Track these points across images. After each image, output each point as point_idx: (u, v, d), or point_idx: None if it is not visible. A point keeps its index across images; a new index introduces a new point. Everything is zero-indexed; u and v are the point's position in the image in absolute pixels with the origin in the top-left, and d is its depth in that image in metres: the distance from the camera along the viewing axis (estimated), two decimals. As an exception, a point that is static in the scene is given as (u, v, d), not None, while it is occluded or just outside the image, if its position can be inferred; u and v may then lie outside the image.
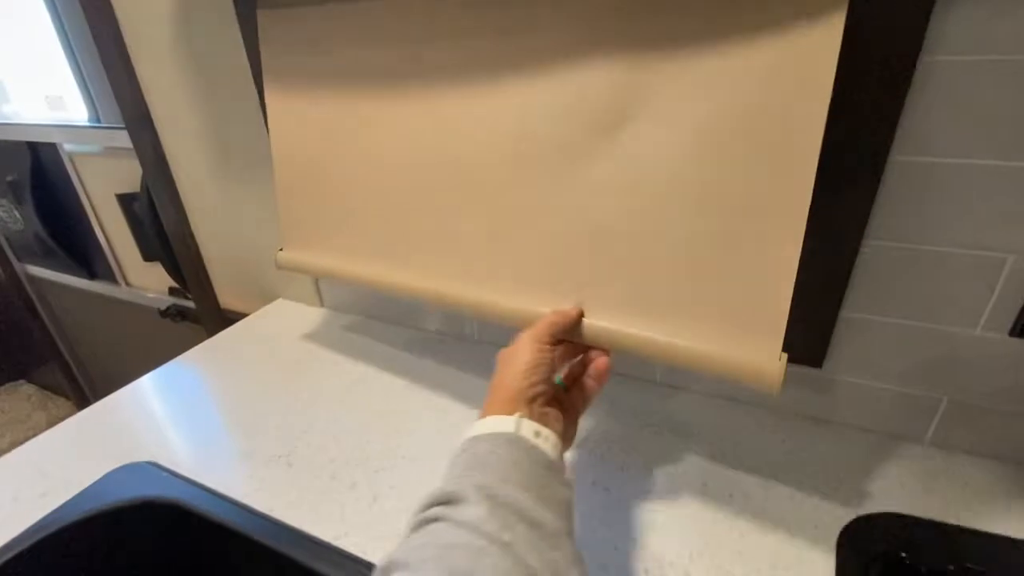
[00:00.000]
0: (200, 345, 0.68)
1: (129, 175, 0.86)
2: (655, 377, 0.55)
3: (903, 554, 0.37)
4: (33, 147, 0.96)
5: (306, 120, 0.53)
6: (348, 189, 0.52)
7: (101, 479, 0.46)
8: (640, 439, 0.48)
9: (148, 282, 1.00)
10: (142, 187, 0.80)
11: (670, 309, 0.38)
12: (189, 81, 0.65)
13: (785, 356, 0.35)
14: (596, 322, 0.40)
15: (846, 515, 0.40)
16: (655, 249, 0.38)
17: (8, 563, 0.39)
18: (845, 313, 0.44)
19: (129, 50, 0.68)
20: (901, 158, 0.37)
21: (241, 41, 0.57)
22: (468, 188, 0.45)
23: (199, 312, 0.87)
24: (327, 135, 0.52)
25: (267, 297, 0.79)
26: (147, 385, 0.61)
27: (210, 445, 0.51)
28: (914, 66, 0.34)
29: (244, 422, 0.54)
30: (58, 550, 0.42)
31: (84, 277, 1.07)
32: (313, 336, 0.68)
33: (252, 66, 0.58)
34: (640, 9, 0.35)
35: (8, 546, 0.40)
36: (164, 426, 0.54)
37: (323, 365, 0.62)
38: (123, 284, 1.03)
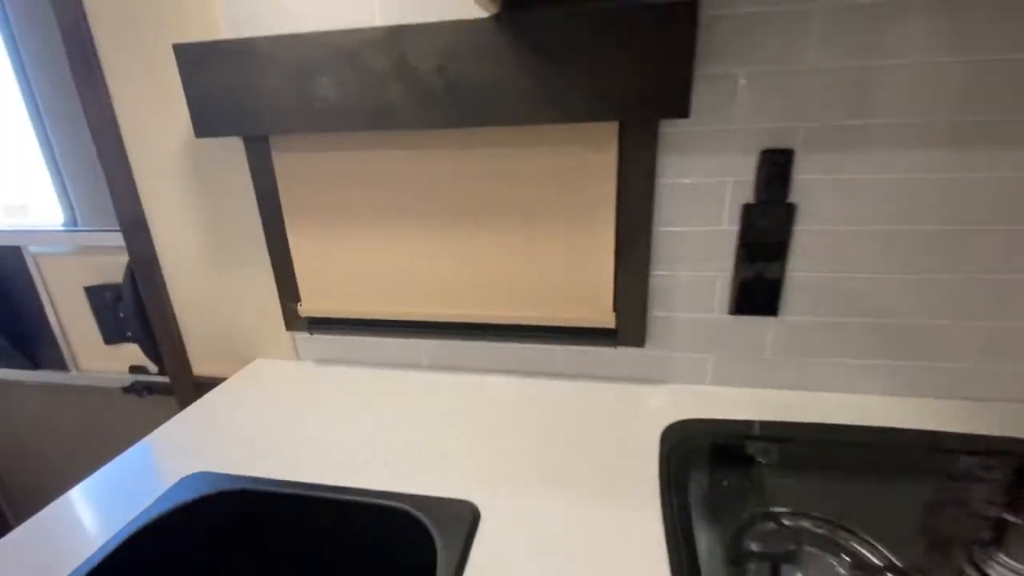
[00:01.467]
0: (189, 408, 0.82)
1: (99, 269, 0.99)
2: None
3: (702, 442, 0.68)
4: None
5: (319, 234, 0.77)
6: (349, 282, 0.76)
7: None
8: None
9: (106, 364, 1.09)
10: (125, 278, 0.95)
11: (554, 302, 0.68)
12: (191, 195, 0.85)
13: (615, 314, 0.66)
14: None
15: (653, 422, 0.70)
16: (551, 281, 0.68)
17: None
18: (652, 313, 0.77)
19: (132, 166, 0.86)
20: (659, 228, 0.72)
21: (247, 166, 0.80)
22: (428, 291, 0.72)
23: (173, 383, 1.00)
24: (333, 237, 0.76)
25: (245, 359, 0.96)
26: (135, 462, 0.76)
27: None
28: (654, 182, 0.70)
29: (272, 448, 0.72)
30: None
31: (28, 368, 1.12)
32: (297, 384, 0.87)
33: (256, 187, 0.81)
34: (506, 141, 0.68)
35: None
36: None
37: (311, 405, 0.81)
38: (74, 370, 1.10)
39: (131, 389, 1.05)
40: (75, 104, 0.82)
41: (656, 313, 0.77)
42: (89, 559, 0.52)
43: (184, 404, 0.84)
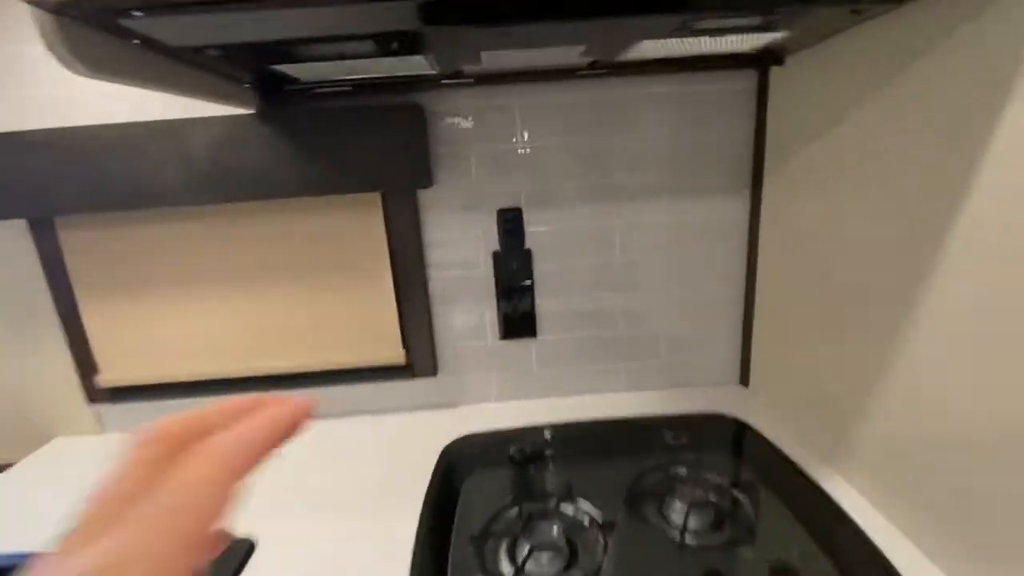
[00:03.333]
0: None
1: None
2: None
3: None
4: None
5: (113, 305, 0.80)
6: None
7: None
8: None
9: None
10: None
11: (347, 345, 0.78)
12: (-32, 276, 0.84)
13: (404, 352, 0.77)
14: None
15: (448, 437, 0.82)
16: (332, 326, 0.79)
17: None
18: (440, 346, 0.90)
19: None
20: (432, 273, 0.86)
21: (32, 246, 0.82)
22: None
23: (-46, 476, 0.92)
24: (127, 307, 0.80)
25: (42, 440, 0.92)
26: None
27: None
28: (421, 237, 0.84)
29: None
30: None
31: None
32: (97, 456, 0.86)
33: (43, 265, 0.82)
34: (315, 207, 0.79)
35: None
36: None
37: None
38: None
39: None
40: None
41: (443, 345, 0.90)
42: None
43: (-39, 495, 0.80)
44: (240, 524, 0.63)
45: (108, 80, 0.45)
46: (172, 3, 0.39)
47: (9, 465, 0.88)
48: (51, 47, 0.39)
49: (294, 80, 0.68)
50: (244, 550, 0.61)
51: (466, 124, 0.80)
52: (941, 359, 0.50)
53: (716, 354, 0.92)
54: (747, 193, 0.84)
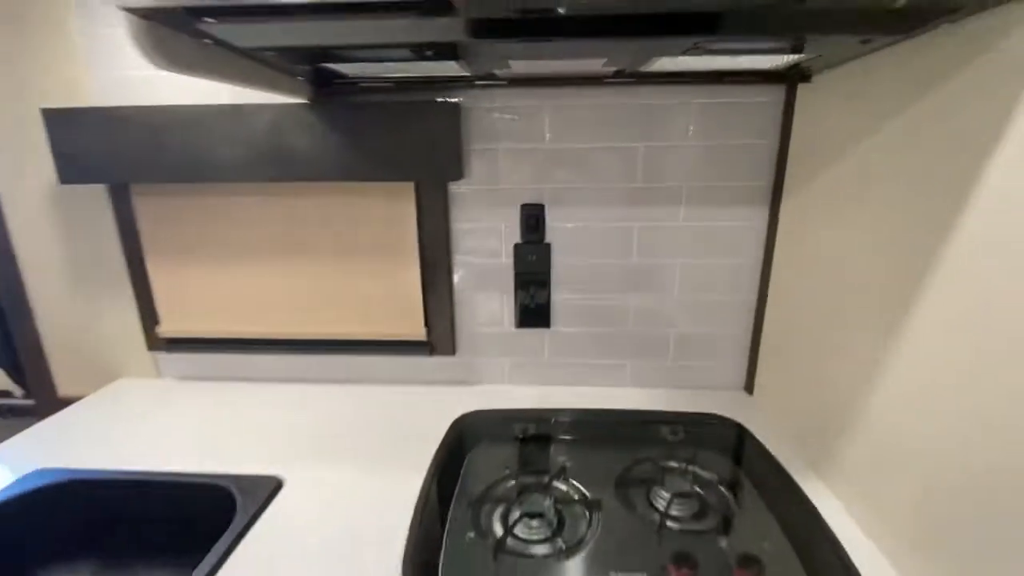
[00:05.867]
0: (47, 420, 0.91)
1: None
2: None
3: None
4: None
5: (176, 265, 0.91)
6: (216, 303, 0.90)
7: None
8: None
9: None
10: (-9, 307, 1.02)
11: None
12: (57, 233, 0.96)
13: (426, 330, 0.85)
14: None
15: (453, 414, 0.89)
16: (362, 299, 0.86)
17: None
18: (460, 328, 0.96)
19: (2, 210, 0.96)
20: (458, 259, 0.93)
21: (110, 208, 0.93)
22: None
23: (37, 404, 1.06)
24: (189, 268, 0.91)
25: (109, 379, 1.05)
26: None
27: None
28: (449, 226, 0.91)
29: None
30: None
31: None
32: (154, 396, 0.98)
33: (119, 225, 0.94)
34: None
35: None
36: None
37: (164, 412, 0.93)
38: (-69, 398, 1.13)
39: (-9, 412, 1.10)
40: None
41: (462, 327, 0.97)
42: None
43: (43, 420, 0.93)
44: (270, 465, 0.72)
45: (183, 73, 0.52)
46: (240, 9, 0.45)
47: (80, 398, 1.01)
48: (138, 45, 0.47)
49: (342, 75, 0.75)
50: (273, 486, 0.70)
51: (497, 122, 0.85)
52: (911, 392, 0.52)
53: (723, 360, 0.95)
54: (767, 206, 0.86)
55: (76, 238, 0.97)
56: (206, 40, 0.52)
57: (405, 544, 0.61)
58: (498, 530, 0.65)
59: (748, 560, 0.59)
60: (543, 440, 0.85)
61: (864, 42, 0.51)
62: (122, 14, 0.46)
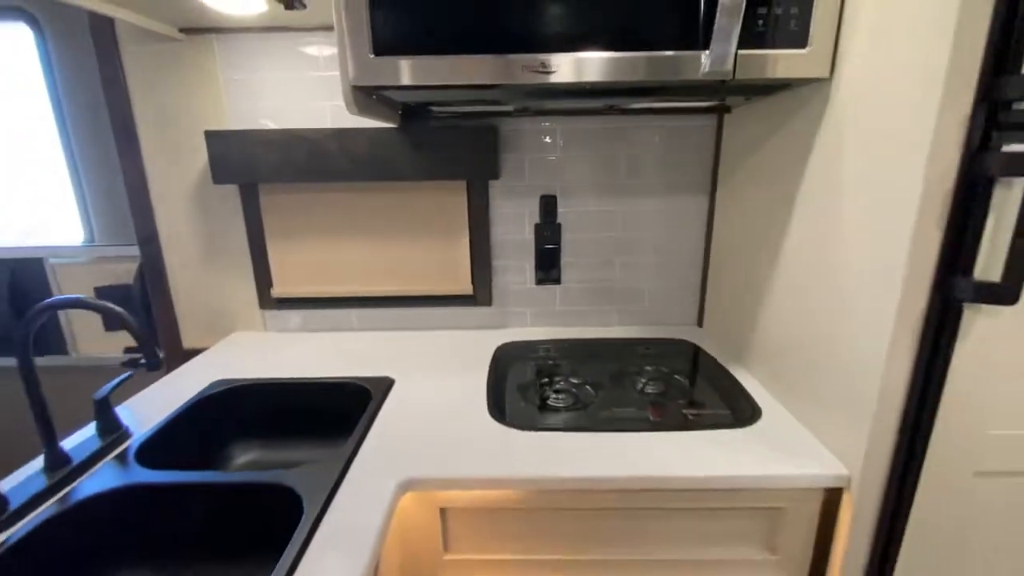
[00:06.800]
0: (194, 360, 1.25)
1: (109, 273, 1.37)
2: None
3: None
4: (10, 263, 1.37)
5: (288, 242, 1.25)
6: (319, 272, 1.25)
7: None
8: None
9: (104, 349, 1.43)
10: (136, 279, 1.34)
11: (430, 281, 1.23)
12: (194, 221, 1.30)
13: (472, 287, 1.22)
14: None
15: (498, 341, 1.26)
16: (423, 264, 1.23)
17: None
18: (495, 286, 1.34)
19: (151, 201, 1.29)
20: (495, 236, 1.30)
21: (239, 199, 1.27)
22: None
23: (167, 356, 1.39)
24: (297, 244, 1.25)
25: (228, 331, 1.38)
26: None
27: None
28: (488, 213, 1.28)
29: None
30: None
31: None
32: (269, 343, 1.31)
33: (245, 214, 1.28)
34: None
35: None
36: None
37: (281, 350, 1.27)
38: (74, 354, 1.43)
39: (128, 364, 1.41)
40: (99, 152, 1.25)
41: (497, 285, 1.34)
42: (163, 419, 0.96)
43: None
44: (385, 371, 1.12)
45: (358, 115, 0.88)
46: (409, 87, 0.82)
47: (204, 349, 1.34)
48: (347, 101, 0.83)
49: (427, 109, 1.12)
50: (389, 383, 1.06)
51: (525, 139, 1.23)
52: (783, 302, 0.92)
53: (681, 304, 1.35)
54: (707, 194, 1.26)
55: (209, 225, 1.30)
56: (373, 96, 0.89)
57: (486, 405, 0.98)
58: (537, 402, 1.03)
59: (695, 403, 0.98)
60: (557, 358, 1.23)
61: (747, 99, 0.91)
62: (331, 81, 0.82)
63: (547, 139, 1.23)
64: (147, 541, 0.76)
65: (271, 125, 1.20)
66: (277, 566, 0.60)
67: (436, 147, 1.18)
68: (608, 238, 1.30)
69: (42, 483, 0.73)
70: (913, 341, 0.65)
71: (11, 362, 1.38)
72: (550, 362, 1.21)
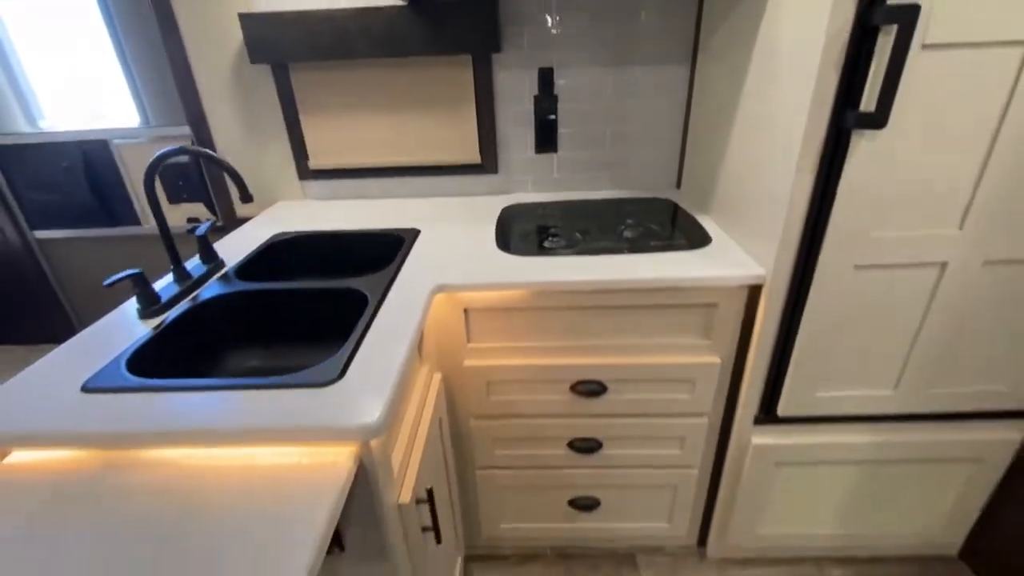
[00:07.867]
0: (252, 220, 1.49)
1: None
2: (453, 194, 1.60)
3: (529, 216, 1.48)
4: (82, 145, 1.58)
5: (320, 118, 1.44)
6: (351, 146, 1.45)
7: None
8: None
9: (169, 219, 1.68)
10: (191, 157, 1.55)
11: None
12: (235, 99, 1.47)
13: (480, 156, 1.42)
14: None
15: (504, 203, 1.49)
16: (442, 136, 1.43)
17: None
18: (500, 154, 1.53)
19: (196, 83, 1.46)
20: (499, 107, 1.47)
21: (272, 80, 1.44)
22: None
23: (225, 223, 1.64)
24: (328, 120, 1.44)
25: (271, 202, 1.62)
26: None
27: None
28: (493, 85, 1.44)
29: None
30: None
31: (108, 226, 1.69)
32: (309, 207, 1.55)
33: (279, 92, 1.45)
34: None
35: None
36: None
37: (321, 212, 1.51)
38: (145, 224, 1.69)
39: (191, 231, 1.66)
40: (149, 34, 1.40)
41: (501, 154, 1.54)
42: (240, 259, 1.22)
43: (247, 221, 1.51)
44: (412, 223, 1.37)
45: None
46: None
47: (251, 217, 1.58)
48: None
49: (433, -15, 1.24)
50: (416, 233, 1.30)
51: (524, 13, 1.35)
52: (736, 157, 1.12)
53: (663, 169, 1.54)
54: (688, 64, 1.40)
55: (249, 102, 1.48)
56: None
57: (495, 242, 1.23)
58: (535, 244, 1.27)
59: (661, 238, 1.22)
60: (554, 216, 1.46)
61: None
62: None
63: (544, 13, 1.35)
64: (253, 331, 1.06)
65: (295, 8, 1.33)
66: (348, 340, 0.88)
67: (442, 23, 1.32)
68: (601, 107, 1.47)
69: (175, 289, 1.01)
70: (814, 162, 0.86)
71: (94, 232, 1.67)
72: (547, 220, 1.44)
